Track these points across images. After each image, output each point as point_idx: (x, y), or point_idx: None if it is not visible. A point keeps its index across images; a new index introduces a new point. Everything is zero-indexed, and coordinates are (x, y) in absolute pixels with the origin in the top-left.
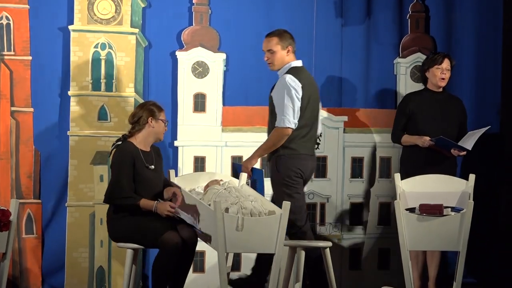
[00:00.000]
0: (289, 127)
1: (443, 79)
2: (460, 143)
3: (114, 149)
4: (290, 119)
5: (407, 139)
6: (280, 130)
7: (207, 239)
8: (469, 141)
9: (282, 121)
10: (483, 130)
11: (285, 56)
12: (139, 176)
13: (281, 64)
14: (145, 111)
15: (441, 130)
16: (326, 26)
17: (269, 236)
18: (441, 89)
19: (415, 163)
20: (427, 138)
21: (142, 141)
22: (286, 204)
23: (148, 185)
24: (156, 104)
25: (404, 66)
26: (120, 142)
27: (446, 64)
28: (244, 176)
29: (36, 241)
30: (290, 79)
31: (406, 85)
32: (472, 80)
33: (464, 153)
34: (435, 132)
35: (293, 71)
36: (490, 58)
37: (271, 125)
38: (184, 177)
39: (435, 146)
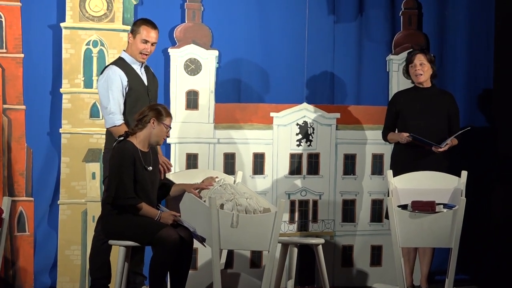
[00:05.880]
0: None
1: (419, 75)
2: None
3: (114, 145)
4: None
5: (391, 136)
6: None
7: (203, 240)
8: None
9: None
10: (460, 132)
11: None
12: (138, 177)
13: None
14: (152, 111)
15: (429, 125)
16: (318, 23)
17: (263, 233)
18: (429, 85)
19: (403, 159)
20: (405, 134)
21: (141, 141)
22: (282, 203)
23: (146, 186)
24: (166, 109)
25: (396, 63)
26: (122, 138)
27: (418, 60)
28: (239, 174)
29: (28, 239)
30: None
31: (398, 82)
32: (464, 76)
33: (442, 149)
34: (423, 127)
35: None
36: (482, 55)
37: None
38: (179, 174)
39: (414, 141)
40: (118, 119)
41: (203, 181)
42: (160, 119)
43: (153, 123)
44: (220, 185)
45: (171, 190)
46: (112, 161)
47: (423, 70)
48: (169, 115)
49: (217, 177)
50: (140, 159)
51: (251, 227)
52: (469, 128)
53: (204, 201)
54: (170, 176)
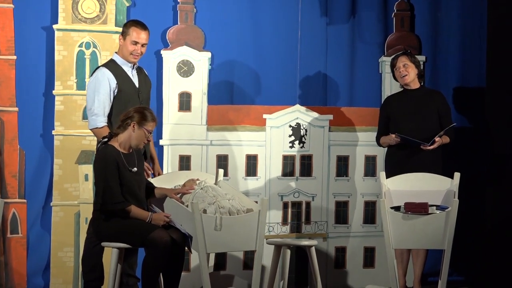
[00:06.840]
0: None
1: (404, 76)
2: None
3: (99, 147)
4: None
5: (383, 140)
6: None
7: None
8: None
9: None
10: (444, 130)
11: None
12: (123, 180)
13: None
14: (136, 113)
15: (420, 126)
16: (311, 25)
17: (248, 233)
18: (417, 86)
19: (396, 161)
20: (393, 135)
21: (122, 143)
22: (264, 201)
23: (132, 187)
24: (152, 113)
25: (389, 64)
26: (105, 140)
27: (400, 62)
28: (221, 172)
29: (21, 241)
30: None
31: (391, 84)
32: (457, 77)
33: (431, 147)
34: (414, 128)
35: None
36: (474, 56)
37: None
38: (161, 177)
39: (402, 141)
40: (101, 121)
41: (184, 184)
42: (142, 124)
43: (133, 126)
44: (202, 188)
45: (154, 193)
46: (96, 166)
47: (407, 71)
48: (153, 120)
49: (198, 179)
50: (123, 161)
51: (236, 228)
52: (454, 124)
53: (187, 206)
54: (151, 180)
